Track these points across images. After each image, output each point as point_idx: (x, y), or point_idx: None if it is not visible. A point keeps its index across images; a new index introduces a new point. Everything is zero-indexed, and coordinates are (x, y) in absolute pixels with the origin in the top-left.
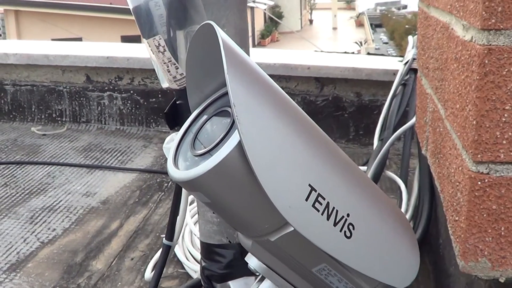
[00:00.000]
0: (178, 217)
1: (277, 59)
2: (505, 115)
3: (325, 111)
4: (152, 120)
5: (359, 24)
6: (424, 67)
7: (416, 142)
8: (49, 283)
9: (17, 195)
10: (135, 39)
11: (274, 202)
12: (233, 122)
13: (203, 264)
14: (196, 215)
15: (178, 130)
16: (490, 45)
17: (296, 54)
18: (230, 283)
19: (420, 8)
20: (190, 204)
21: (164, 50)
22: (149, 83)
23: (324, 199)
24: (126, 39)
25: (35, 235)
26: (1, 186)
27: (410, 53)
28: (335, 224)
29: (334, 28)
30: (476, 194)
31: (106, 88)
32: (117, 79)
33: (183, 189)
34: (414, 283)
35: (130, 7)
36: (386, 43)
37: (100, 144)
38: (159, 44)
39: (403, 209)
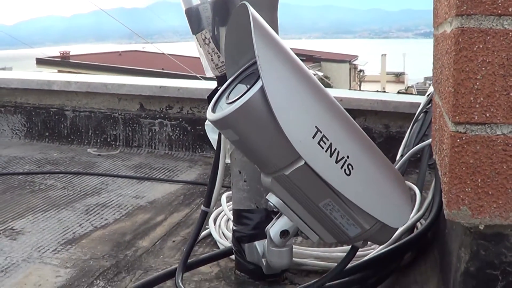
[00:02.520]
0: (215, 187)
1: None
2: (477, 83)
3: None
4: (198, 146)
5: None
6: (434, 82)
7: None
8: (100, 253)
9: (74, 195)
10: None
11: (288, 135)
12: (258, 77)
13: (234, 228)
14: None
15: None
16: (463, 27)
17: (330, 90)
18: (256, 243)
19: (433, 35)
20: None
21: (209, 42)
22: (197, 112)
23: (327, 139)
24: None
25: (90, 222)
26: (60, 189)
27: (432, 87)
28: (336, 161)
29: None
30: (456, 150)
31: (157, 116)
32: (167, 108)
33: (220, 164)
34: (423, 268)
35: (183, 8)
36: None
37: (149, 163)
38: (205, 37)
39: (415, 209)
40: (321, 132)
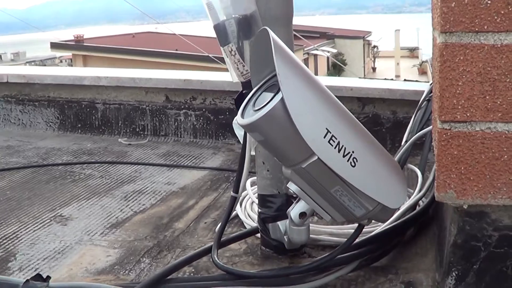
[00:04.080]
0: (242, 176)
1: (325, 82)
2: (459, 89)
3: (366, 126)
4: (220, 134)
5: (422, 72)
6: (433, 74)
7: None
8: (142, 234)
9: (112, 183)
10: None
11: (303, 136)
12: (278, 89)
13: (260, 210)
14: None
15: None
16: (447, 42)
17: (342, 79)
18: (278, 223)
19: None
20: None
21: (235, 54)
22: (219, 102)
23: (336, 138)
24: None
25: (129, 208)
26: (98, 177)
27: None
28: (343, 156)
29: (397, 76)
30: (443, 143)
31: (182, 106)
32: (191, 99)
33: (246, 156)
34: (423, 241)
35: (212, 24)
36: None
37: (177, 151)
38: (231, 49)
39: (417, 190)
40: (330, 133)
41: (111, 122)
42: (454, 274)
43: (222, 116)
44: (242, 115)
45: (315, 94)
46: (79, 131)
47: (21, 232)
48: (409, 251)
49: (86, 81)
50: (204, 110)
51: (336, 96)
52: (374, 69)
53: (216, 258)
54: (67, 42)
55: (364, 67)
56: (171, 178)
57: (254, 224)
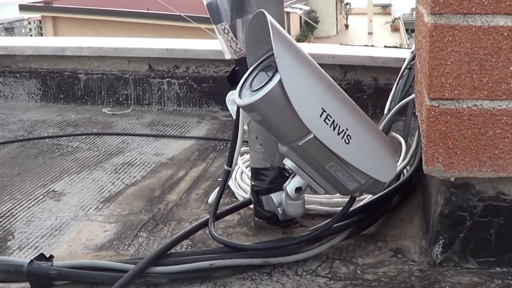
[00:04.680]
0: (235, 151)
1: (308, 50)
2: (447, 68)
3: (348, 93)
4: (204, 102)
5: (395, 29)
6: (416, 45)
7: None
8: (137, 208)
9: (100, 155)
10: None
11: (300, 116)
12: (275, 70)
13: (253, 183)
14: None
15: (235, 88)
16: (436, 23)
17: (324, 46)
18: (272, 195)
19: (416, 7)
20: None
21: (229, 32)
22: (202, 71)
23: (331, 117)
24: None
25: (121, 180)
26: (86, 150)
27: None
28: (338, 133)
29: (370, 33)
30: (431, 119)
31: (165, 75)
32: (175, 68)
33: (239, 128)
34: (408, 208)
35: (204, 3)
36: None
37: (161, 120)
38: (224, 28)
39: (401, 158)
40: (326, 112)
41: (94, 92)
42: (441, 242)
43: (206, 84)
44: (240, 95)
45: (311, 75)
46: (62, 101)
47: (15, 209)
48: (395, 218)
49: (68, 51)
50: (187, 78)
51: (318, 63)
52: (346, 26)
53: (214, 232)
54: (36, 4)
55: (336, 24)
56: (159, 149)
57: (244, 194)
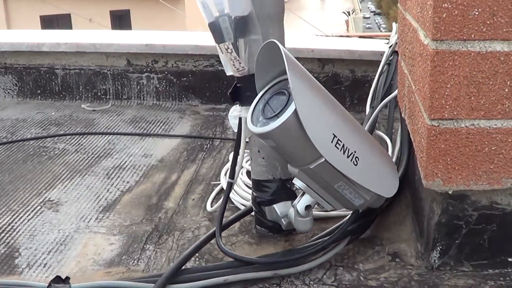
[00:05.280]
0: (237, 164)
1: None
2: (447, 91)
3: (326, 85)
4: (183, 96)
5: None
6: (402, 54)
7: (398, 108)
8: (137, 217)
9: (89, 158)
10: (124, 14)
11: (314, 142)
12: (289, 98)
13: (255, 194)
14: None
15: (237, 103)
16: (437, 49)
17: (302, 39)
18: (274, 206)
19: (399, 10)
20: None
21: (232, 51)
22: (181, 65)
23: (341, 141)
24: (115, 13)
25: (115, 186)
26: (73, 152)
27: (393, 38)
28: (347, 156)
29: None
30: (432, 138)
31: (144, 70)
32: (153, 63)
33: (241, 142)
34: (399, 208)
35: (207, 23)
36: (374, 12)
37: (143, 116)
38: (227, 47)
39: None
40: (336, 137)
41: (71, 88)
42: (438, 248)
43: (185, 78)
44: (252, 120)
45: (322, 103)
46: (39, 97)
47: (16, 222)
48: (387, 219)
49: (45, 47)
50: (166, 73)
51: (297, 57)
52: None
53: (223, 245)
54: None
55: None
56: (146, 149)
57: (239, 198)
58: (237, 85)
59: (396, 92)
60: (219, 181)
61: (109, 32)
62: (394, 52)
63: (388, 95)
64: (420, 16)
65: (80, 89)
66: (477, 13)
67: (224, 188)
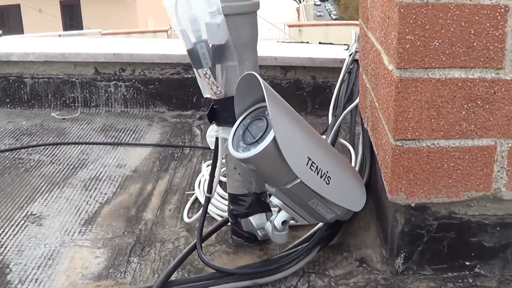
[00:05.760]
0: (214, 180)
1: None
2: (410, 114)
3: (288, 91)
4: (151, 103)
5: None
6: (364, 68)
7: (359, 116)
8: (119, 230)
9: (65, 170)
10: (74, 4)
11: (290, 165)
12: (267, 124)
13: (231, 207)
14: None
15: (214, 123)
16: (401, 76)
17: (265, 47)
18: (250, 218)
19: (361, 24)
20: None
21: (210, 77)
22: (148, 73)
23: (315, 163)
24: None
25: (94, 199)
26: (49, 164)
27: (353, 46)
28: (321, 177)
29: None
30: (396, 156)
31: (112, 78)
32: (121, 71)
33: (218, 159)
34: (363, 214)
35: (185, 49)
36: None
37: (112, 124)
38: (206, 72)
39: (352, 165)
40: (311, 160)
41: (40, 96)
42: (402, 255)
43: (152, 86)
44: (233, 144)
45: (298, 129)
46: (9, 106)
47: (2, 238)
48: (353, 226)
49: (14, 57)
50: (133, 81)
51: (261, 65)
52: None
53: (205, 257)
54: None
55: None
56: (120, 159)
57: (215, 209)
58: (214, 106)
59: (357, 100)
60: (193, 190)
61: (77, 41)
62: (354, 61)
63: (349, 102)
64: (384, 41)
65: (49, 97)
66: (437, 43)
67: (199, 198)
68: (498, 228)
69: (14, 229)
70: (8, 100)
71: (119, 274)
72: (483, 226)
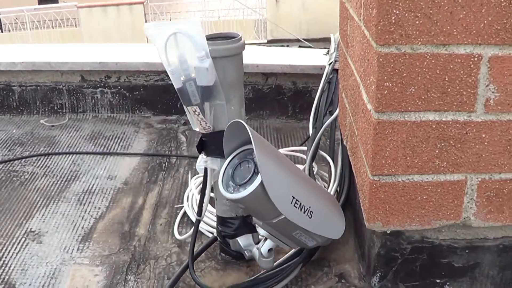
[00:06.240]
0: (203, 202)
1: None
2: (387, 153)
3: (270, 96)
4: (136, 108)
5: None
6: (344, 88)
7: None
8: (115, 246)
9: (59, 183)
10: None
11: (276, 205)
12: (254, 167)
13: (220, 228)
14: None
15: (203, 153)
16: (379, 119)
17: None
18: (238, 239)
19: (341, 45)
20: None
21: (199, 114)
22: (133, 80)
23: (299, 201)
24: None
25: (88, 213)
26: (42, 176)
27: (333, 55)
28: (304, 212)
29: None
30: (373, 190)
31: (98, 85)
32: (106, 78)
33: (207, 186)
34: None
35: (176, 88)
36: None
37: (100, 131)
38: (195, 110)
39: (332, 180)
40: (295, 198)
41: (29, 103)
42: (378, 274)
43: (137, 92)
44: (223, 185)
45: (283, 171)
46: None
47: (6, 257)
48: (333, 240)
49: (1, 66)
50: (119, 87)
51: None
52: None
53: (198, 279)
54: None
55: None
56: (110, 170)
57: (205, 225)
58: (203, 139)
59: (336, 113)
60: (182, 203)
61: (63, 50)
62: (334, 70)
63: (329, 111)
64: (363, 79)
65: (37, 104)
66: (413, 89)
67: (187, 212)
68: (467, 251)
69: (16, 247)
70: None
71: None
72: (453, 249)
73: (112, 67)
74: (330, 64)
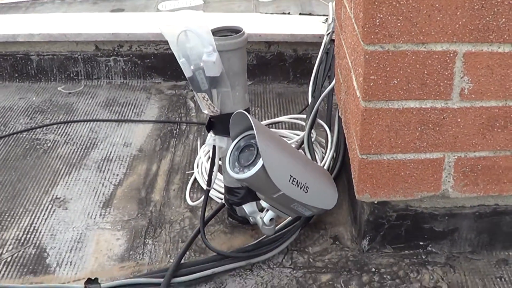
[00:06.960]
0: (212, 173)
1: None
2: (373, 135)
3: (272, 62)
4: (147, 75)
5: None
6: (339, 65)
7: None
8: (133, 212)
9: (79, 151)
10: None
11: (275, 183)
12: (257, 151)
13: (227, 197)
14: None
15: (211, 132)
16: (366, 107)
17: (250, 22)
18: (243, 206)
19: (337, 35)
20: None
21: (208, 99)
22: (144, 49)
23: (296, 179)
24: None
25: (108, 180)
26: (63, 144)
27: (330, 25)
28: (300, 188)
29: None
30: (362, 167)
31: (111, 54)
32: (119, 47)
33: (215, 161)
34: (338, 192)
35: (187, 76)
36: None
37: (114, 98)
38: (204, 96)
39: (328, 147)
40: (292, 176)
41: (46, 71)
42: (367, 238)
43: (148, 60)
44: (229, 164)
45: (282, 153)
46: (18, 80)
47: (36, 223)
48: None
49: (20, 38)
50: (131, 56)
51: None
52: None
53: (208, 243)
54: None
55: None
56: (125, 137)
57: (214, 191)
58: (211, 120)
59: (333, 83)
60: (192, 170)
61: (77, 18)
62: (332, 41)
63: (328, 76)
64: (354, 66)
65: (54, 72)
66: (396, 82)
67: (197, 179)
68: (446, 218)
69: (44, 214)
70: (16, 75)
71: (138, 256)
72: (434, 216)
73: (124, 38)
74: (328, 34)
